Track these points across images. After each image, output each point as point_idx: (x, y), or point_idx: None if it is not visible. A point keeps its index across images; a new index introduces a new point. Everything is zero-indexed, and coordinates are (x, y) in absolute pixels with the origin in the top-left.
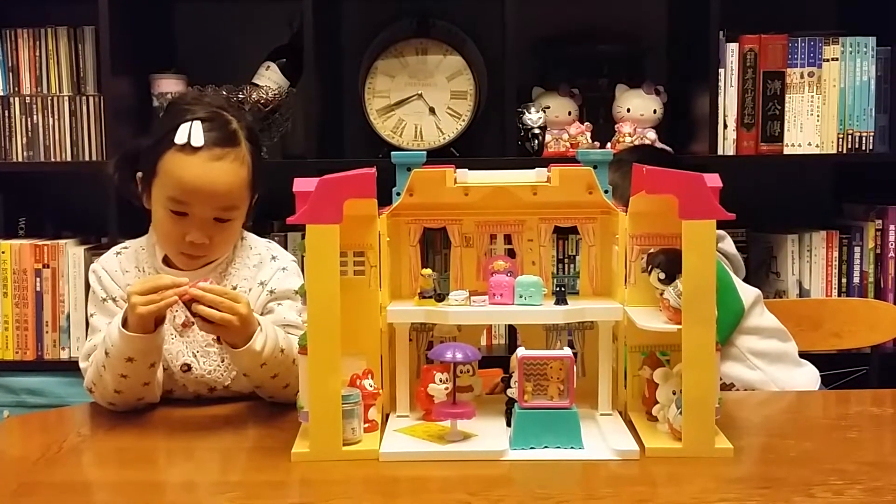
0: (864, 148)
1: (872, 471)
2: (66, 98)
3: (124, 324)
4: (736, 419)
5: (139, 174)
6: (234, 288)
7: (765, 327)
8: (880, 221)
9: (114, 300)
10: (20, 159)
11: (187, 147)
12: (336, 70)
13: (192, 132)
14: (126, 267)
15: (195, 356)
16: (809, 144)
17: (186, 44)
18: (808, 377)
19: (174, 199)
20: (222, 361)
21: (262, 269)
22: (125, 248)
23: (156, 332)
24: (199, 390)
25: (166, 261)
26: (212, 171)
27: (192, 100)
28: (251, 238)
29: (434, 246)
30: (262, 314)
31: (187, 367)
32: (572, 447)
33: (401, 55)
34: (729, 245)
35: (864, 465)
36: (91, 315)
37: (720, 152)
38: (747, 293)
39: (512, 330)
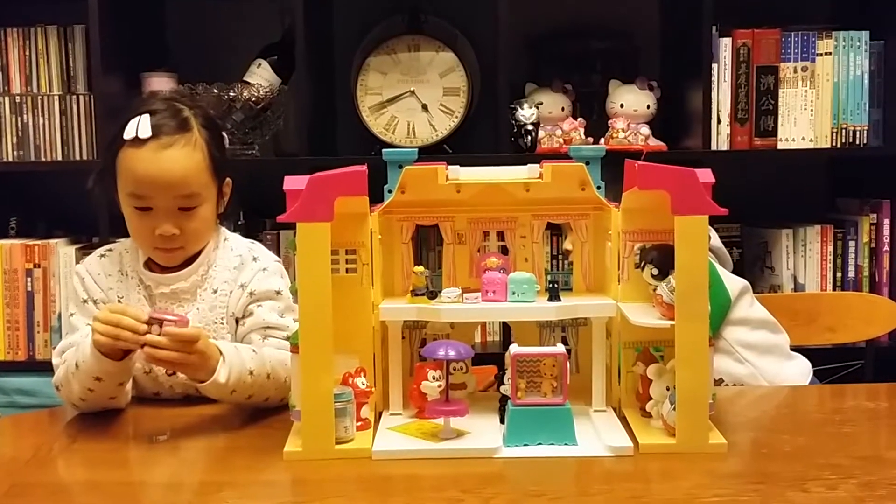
0: (857, 142)
1: (866, 465)
2: (57, 97)
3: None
4: (730, 414)
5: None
6: (215, 291)
7: (753, 318)
8: (874, 215)
9: (94, 302)
10: (10, 159)
11: (136, 140)
12: (328, 67)
13: (139, 125)
14: (109, 270)
15: None
16: (803, 139)
17: (177, 42)
18: (798, 370)
19: (134, 194)
20: None
21: (242, 270)
22: (109, 250)
23: (125, 359)
24: (187, 391)
25: (148, 265)
26: (162, 159)
27: (148, 98)
28: (234, 239)
29: (427, 243)
30: (242, 317)
31: (173, 371)
32: (566, 444)
33: (393, 52)
34: (714, 239)
35: (859, 459)
36: (71, 315)
37: (714, 147)
38: (733, 284)
39: (506, 327)
